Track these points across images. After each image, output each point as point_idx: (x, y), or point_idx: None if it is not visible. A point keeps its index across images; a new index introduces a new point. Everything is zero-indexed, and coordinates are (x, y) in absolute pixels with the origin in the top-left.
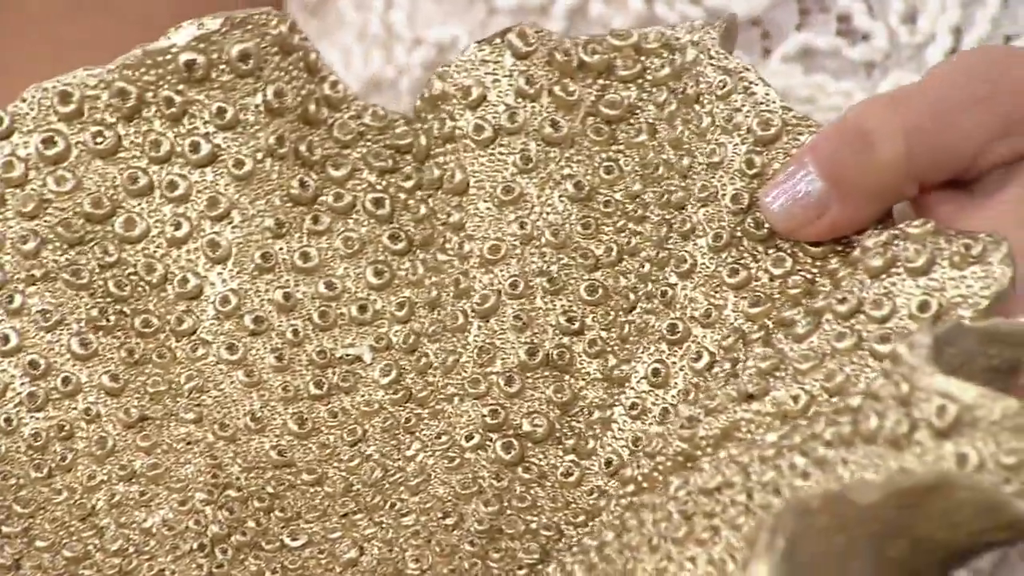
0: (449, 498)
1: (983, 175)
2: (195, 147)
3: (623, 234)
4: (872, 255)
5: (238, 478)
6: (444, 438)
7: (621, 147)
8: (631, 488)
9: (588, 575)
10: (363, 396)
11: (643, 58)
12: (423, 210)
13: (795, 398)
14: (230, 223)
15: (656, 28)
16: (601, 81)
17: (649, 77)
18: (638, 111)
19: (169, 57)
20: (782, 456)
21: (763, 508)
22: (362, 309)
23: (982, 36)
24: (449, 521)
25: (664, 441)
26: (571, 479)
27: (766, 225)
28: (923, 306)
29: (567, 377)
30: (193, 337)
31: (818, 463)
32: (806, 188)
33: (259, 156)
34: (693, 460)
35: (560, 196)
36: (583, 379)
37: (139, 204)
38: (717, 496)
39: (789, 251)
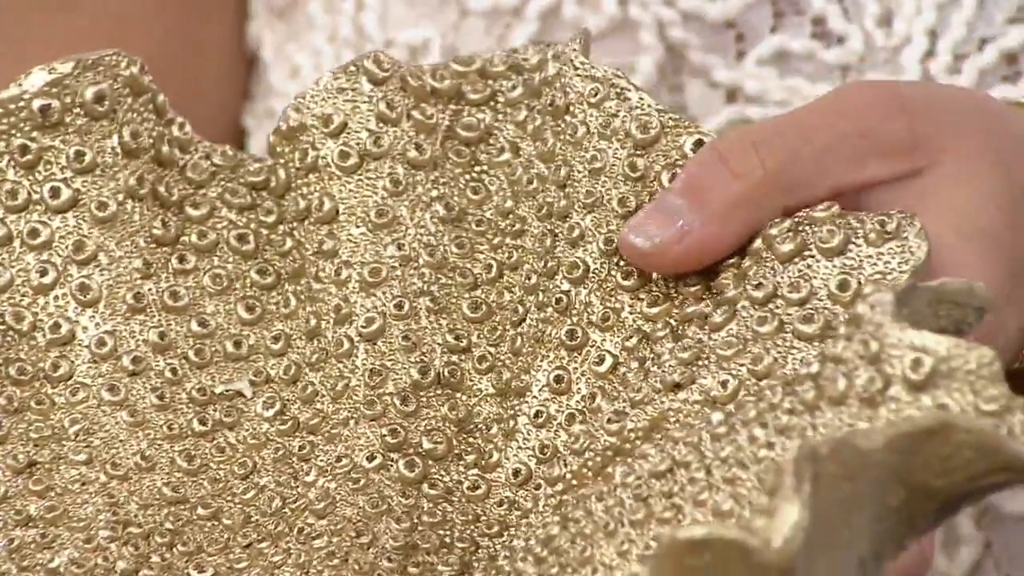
0: (359, 518)
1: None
2: (55, 192)
3: (500, 250)
4: (781, 241)
5: (136, 515)
6: (344, 461)
7: (484, 167)
8: (559, 487)
9: (538, 568)
10: (248, 430)
11: (491, 81)
12: (289, 243)
13: (723, 384)
14: (98, 266)
15: (502, 51)
16: (453, 106)
17: (501, 99)
18: (496, 131)
19: (22, 104)
20: (735, 432)
21: (728, 482)
22: (237, 345)
23: (957, 39)
24: (363, 540)
25: (591, 437)
26: (478, 492)
27: None
28: (842, 285)
29: (459, 394)
30: (70, 381)
31: (782, 431)
32: (663, 207)
33: (120, 198)
34: (623, 453)
35: (432, 218)
36: (475, 395)
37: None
38: (671, 477)
39: None
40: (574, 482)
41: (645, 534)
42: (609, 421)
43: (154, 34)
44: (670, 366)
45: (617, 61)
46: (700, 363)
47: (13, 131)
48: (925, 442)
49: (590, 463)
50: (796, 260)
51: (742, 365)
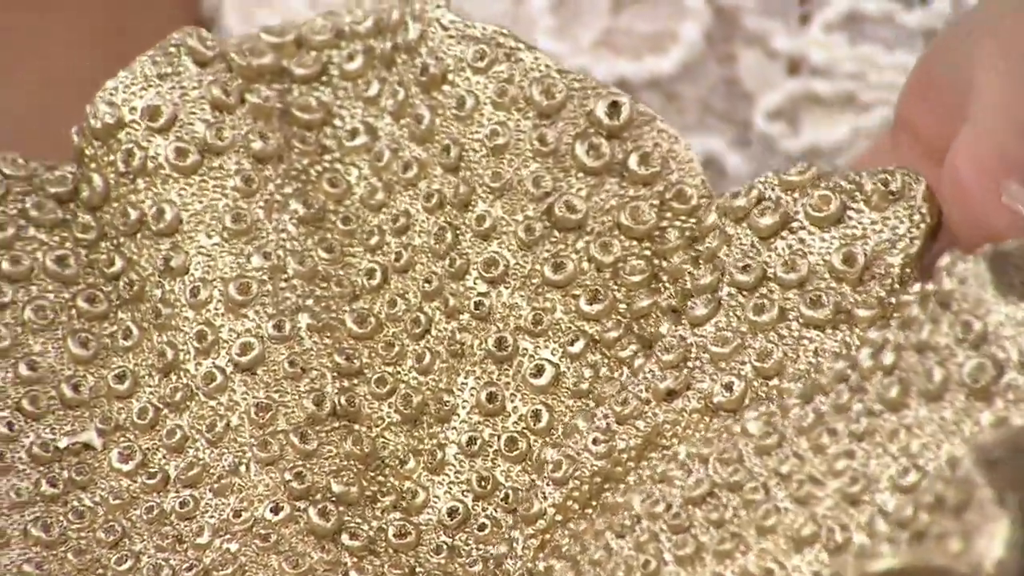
0: None
1: None
2: None
3: (381, 252)
4: (759, 214)
5: None
6: (244, 516)
7: (336, 155)
8: (541, 524)
9: None
10: (104, 488)
11: (316, 53)
12: (118, 263)
13: (727, 387)
14: None
15: (324, 15)
16: (278, 85)
17: (335, 72)
18: (341, 111)
19: None
20: (789, 442)
21: (799, 502)
22: (75, 388)
23: None
24: None
25: (573, 463)
26: (407, 540)
27: (579, 208)
28: (848, 258)
29: (357, 426)
30: None
31: (862, 436)
32: None
33: None
34: (613, 478)
35: (291, 219)
36: (377, 425)
37: None
38: (713, 501)
39: (611, 234)
40: (559, 517)
41: (701, 571)
42: (595, 442)
43: None
44: (653, 372)
45: (656, 29)
46: (690, 365)
47: None
48: None
49: (576, 494)
50: (783, 235)
51: (744, 363)
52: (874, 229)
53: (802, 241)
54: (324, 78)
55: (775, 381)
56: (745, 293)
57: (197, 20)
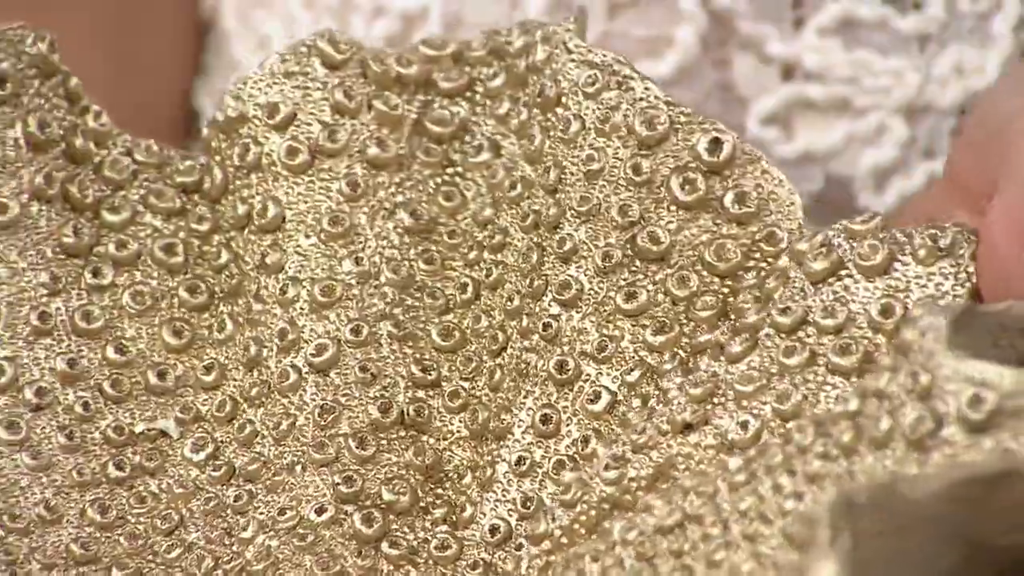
0: None
1: None
2: None
3: (477, 267)
4: (812, 258)
5: None
6: (289, 514)
7: (459, 169)
8: (546, 545)
9: None
10: (173, 476)
11: (468, 68)
12: (225, 255)
13: (743, 425)
14: None
15: (483, 33)
16: (422, 96)
17: (480, 89)
18: (473, 127)
19: None
20: (757, 480)
21: (749, 539)
22: (161, 375)
23: None
24: None
25: (584, 487)
26: (448, 553)
27: (663, 240)
28: (886, 309)
29: (426, 437)
30: None
31: (813, 479)
32: None
33: (24, 199)
34: (622, 506)
35: (396, 228)
36: (446, 438)
37: None
38: (680, 533)
39: (692, 268)
40: (564, 540)
41: None
42: (607, 468)
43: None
44: (679, 404)
45: (651, 33)
46: (715, 401)
47: None
48: (989, 492)
49: (583, 518)
50: (831, 280)
51: (765, 403)
52: (918, 283)
53: (846, 288)
54: (468, 93)
55: (792, 423)
56: (783, 335)
57: (196, 21)
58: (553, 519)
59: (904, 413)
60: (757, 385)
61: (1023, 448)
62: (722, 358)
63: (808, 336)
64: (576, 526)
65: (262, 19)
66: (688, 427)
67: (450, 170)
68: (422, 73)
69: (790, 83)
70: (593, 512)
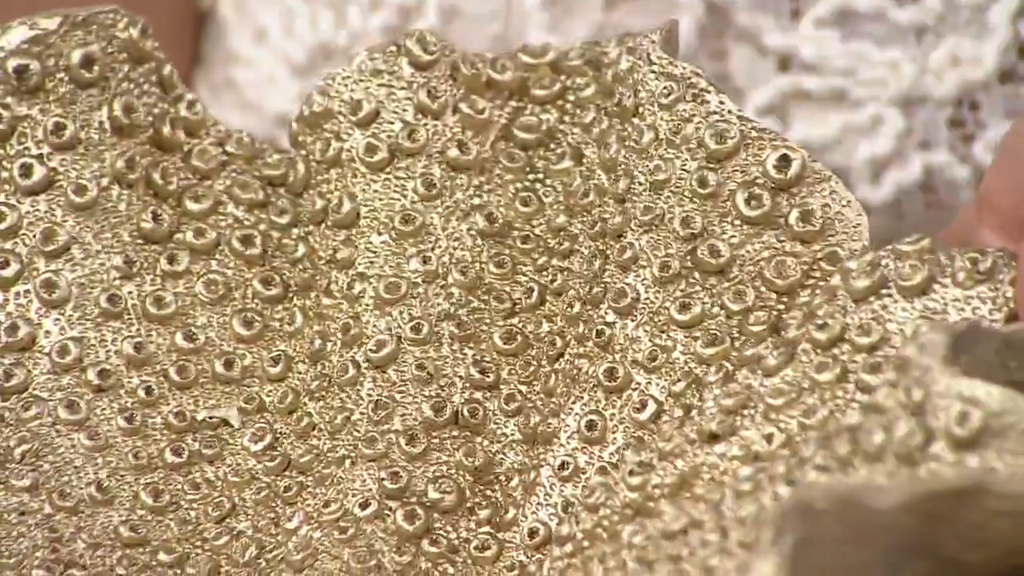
0: (341, 574)
1: None
2: (26, 170)
3: (545, 273)
4: (857, 276)
5: (82, 555)
6: (333, 507)
7: (540, 175)
8: (569, 548)
9: None
10: (231, 465)
11: (563, 77)
12: (301, 249)
13: (768, 437)
14: (69, 260)
15: (580, 43)
16: (514, 102)
17: (571, 97)
18: (559, 135)
19: None
20: (762, 489)
21: (745, 547)
22: (228, 364)
23: None
24: None
25: (609, 491)
26: (487, 554)
27: (723, 253)
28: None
29: (479, 438)
30: (24, 394)
31: (835, 487)
32: None
33: (104, 182)
34: (645, 513)
35: (469, 230)
36: (499, 441)
37: None
38: (683, 538)
39: (750, 283)
40: (585, 543)
41: None
42: (632, 474)
43: None
44: (710, 413)
45: (648, 22)
46: (745, 412)
47: None
48: (954, 507)
49: (605, 522)
50: (871, 299)
51: (792, 417)
52: (956, 306)
53: (885, 307)
54: (559, 102)
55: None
56: (819, 350)
57: (194, 11)
58: (577, 522)
59: (897, 427)
60: (787, 399)
61: (1007, 467)
62: (759, 371)
63: (843, 353)
64: (599, 530)
65: (260, 10)
66: (714, 437)
67: (531, 176)
68: (517, 80)
69: (786, 74)
70: (616, 517)
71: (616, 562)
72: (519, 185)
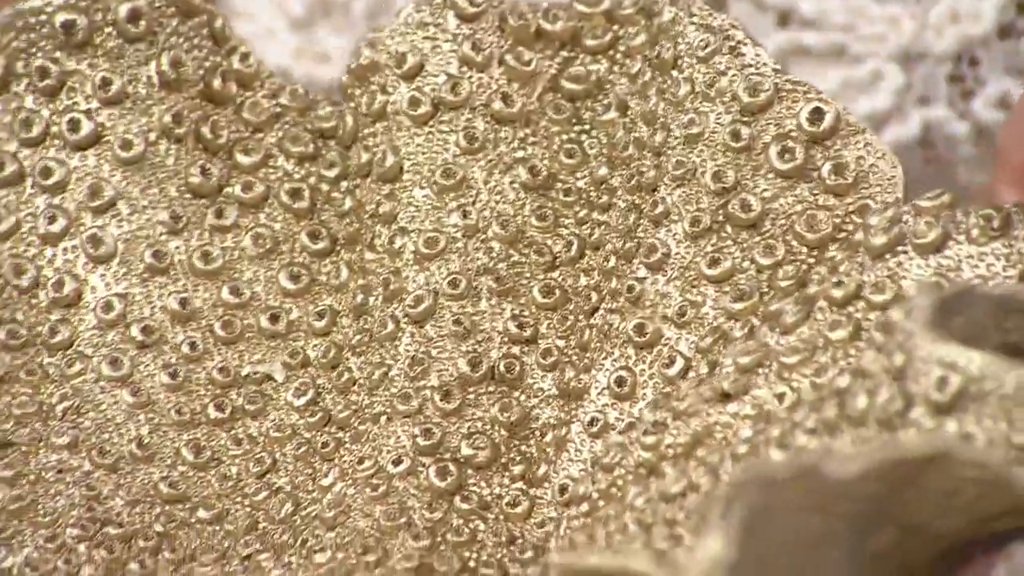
0: (371, 532)
1: None
2: (74, 126)
3: (585, 226)
4: (876, 232)
5: (119, 513)
6: (367, 463)
7: (586, 127)
8: (584, 507)
9: None
10: (273, 420)
11: (615, 26)
12: (349, 203)
13: (780, 396)
14: (116, 216)
15: None
16: (564, 52)
17: (622, 47)
18: (608, 86)
19: (43, 18)
20: (756, 453)
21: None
22: (274, 319)
23: None
24: (370, 557)
25: (624, 451)
26: (518, 510)
27: (754, 207)
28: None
29: (516, 393)
30: (69, 351)
31: (796, 455)
32: None
33: (152, 137)
34: (656, 472)
35: (512, 183)
36: (535, 396)
37: (6, 195)
38: (680, 501)
39: (781, 238)
40: (600, 503)
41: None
42: (646, 433)
43: None
44: (725, 371)
45: None
46: (760, 371)
47: (33, 50)
48: (920, 474)
49: (619, 482)
50: (887, 256)
51: (805, 377)
52: (969, 263)
53: (900, 264)
54: (611, 52)
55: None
56: (835, 308)
57: None
58: (593, 482)
59: (880, 392)
60: (800, 357)
61: (985, 433)
62: (777, 327)
63: (857, 311)
64: (613, 490)
65: None
66: (727, 396)
67: (577, 128)
68: (569, 29)
69: (786, 30)
70: (630, 477)
71: (617, 525)
72: (564, 137)
